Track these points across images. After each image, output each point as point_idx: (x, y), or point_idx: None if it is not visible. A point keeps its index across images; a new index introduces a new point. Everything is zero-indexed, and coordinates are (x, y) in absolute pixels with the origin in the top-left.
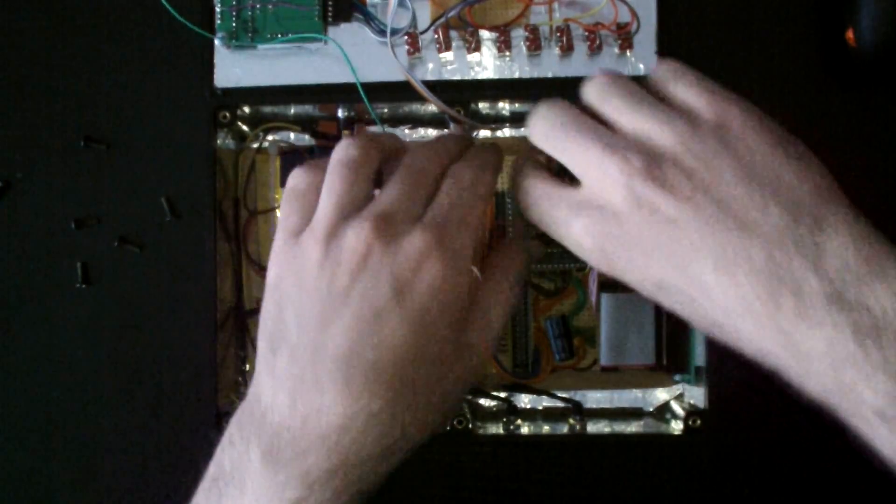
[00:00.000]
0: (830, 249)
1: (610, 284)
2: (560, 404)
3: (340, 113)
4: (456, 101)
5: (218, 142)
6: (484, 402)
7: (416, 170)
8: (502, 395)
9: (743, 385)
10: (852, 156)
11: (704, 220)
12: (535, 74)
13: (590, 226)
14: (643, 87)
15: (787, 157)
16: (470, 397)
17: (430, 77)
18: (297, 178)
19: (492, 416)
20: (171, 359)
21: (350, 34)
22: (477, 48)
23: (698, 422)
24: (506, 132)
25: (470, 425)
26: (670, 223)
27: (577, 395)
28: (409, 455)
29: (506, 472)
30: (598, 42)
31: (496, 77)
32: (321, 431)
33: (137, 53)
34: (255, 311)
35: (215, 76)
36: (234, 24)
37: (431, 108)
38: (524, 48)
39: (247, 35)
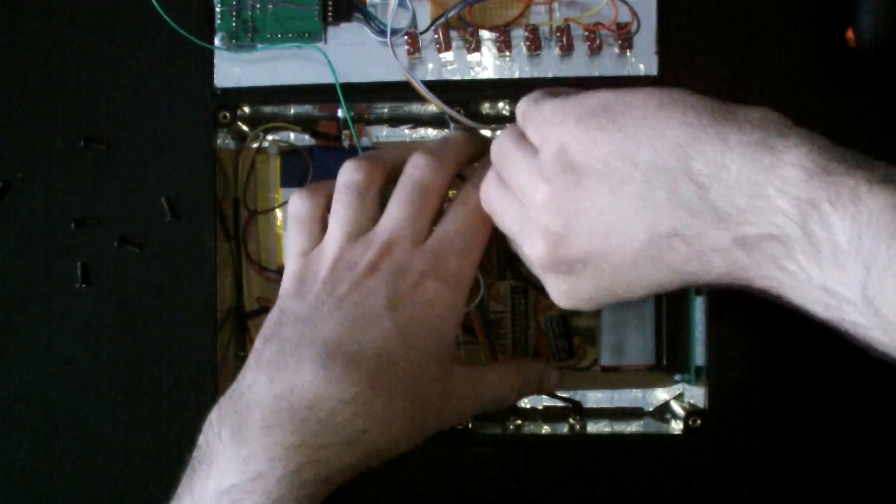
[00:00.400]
0: (716, 188)
1: None
2: (560, 404)
3: (340, 113)
4: (456, 101)
5: (218, 142)
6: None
7: (420, 186)
8: None
9: (743, 385)
10: None
11: (611, 237)
12: (535, 74)
13: (556, 288)
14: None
15: (620, 143)
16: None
17: (430, 77)
18: (297, 204)
19: (492, 416)
20: (171, 359)
21: (350, 34)
22: (477, 48)
23: (698, 422)
24: None
25: (470, 425)
26: (600, 258)
27: (577, 395)
28: (373, 466)
29: (506, 472)
30: (598, 42)
31: (496, 77)
32: (291, 408)
33: (137, 54)
34: (256, 312)
35: (215, 76)
36: (233, 25)
37: (431, 108)
38: (524, 48)
39: (247, 35)
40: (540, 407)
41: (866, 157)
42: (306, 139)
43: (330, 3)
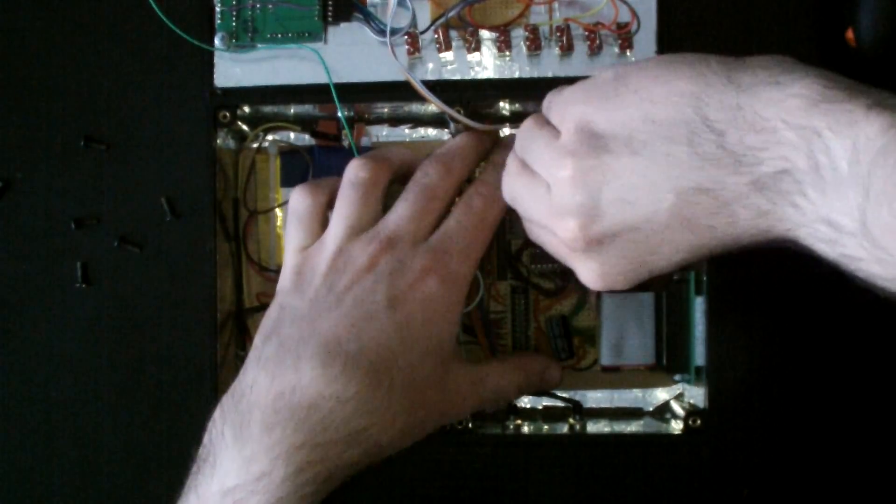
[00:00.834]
0: (732, 132)
1: None
2: (560, 404)
3: (340, 113)
4: (456, 101)
5: (218, 142)
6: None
7: (427, 189)
8: None
9: (743, 385)
10: None
11: (647, 209)
12: (535, 74)
13: (592, 271)
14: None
15: (638, 105)
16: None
17: (430, 77)
18: (298, 199)
19: (492, 415)
20: (171, 359)
21: (350, 34)
22: (477, 48)
23: (698, 421)
24: (506, 131)
25: (470, 425)
26: (636, 230)
27: (577, 395)
28: (374, 463)
29: (506, 472)
30: (598, 42)
31: (496, 77)
32: (292, 407)
33: (137, 53)
34: (256, 311)
35: (215, 76)
36: (234, 24)
37: (432, 107)
38: (524, 48)
39: (247, 35)
40: (540, 407)
41: (866, 85)
42: (306, 139)
43: (330, 3)
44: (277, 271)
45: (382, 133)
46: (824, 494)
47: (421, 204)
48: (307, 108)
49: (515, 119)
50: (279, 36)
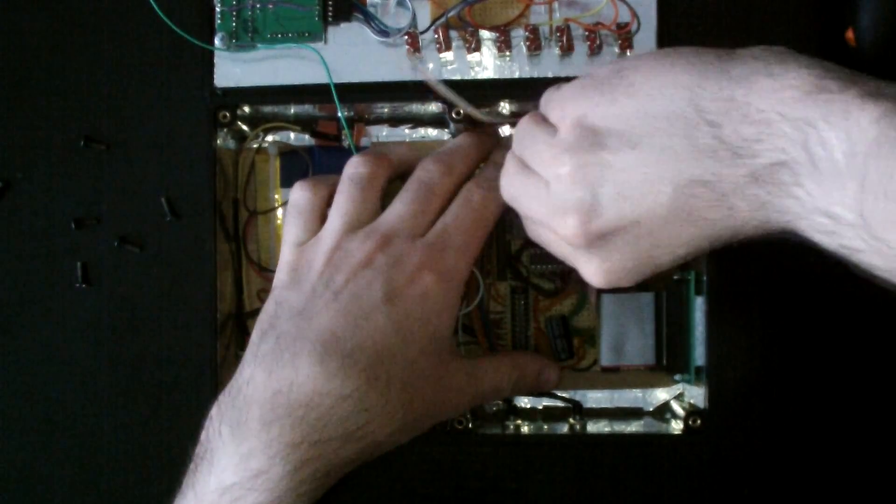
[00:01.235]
0: (728, 124)
1: None
2: (560, 404)
3: (340, 113)
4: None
5: (218, 142)
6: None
7: (426, 186)
8: None
9: (743, 385)
10: None
11: (649, 203)
12: (536, 74)
13: (597, 268)
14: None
15: (634, 98)
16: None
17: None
18: (297, 193)
19: (492, 416)
20: (171, 359)
21: (350, 34)
22: (477, 48)
23: (698, 421)
24: (506, 131)
25: (470, 425)
26: (640, 225)
27: (577, 395)
28: (372, 459)
29: (506, 472)
30: (598, 42)
31: (496, 77)
32: (289, 404)
33: (138, 53)
34: (256, 312)
35: (215, 76)
36: (234, 25)
37: (432, 107)
38: (524, 48)
39: (247, 35)
40: (540, 407)
41: (862, 75)
42: (306, 139)
43: (330, 3)
44: None
45: (382, 133)
46: (824, 494)
47: (419, 201)
48: (307, 109)
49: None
50: (279, 36)
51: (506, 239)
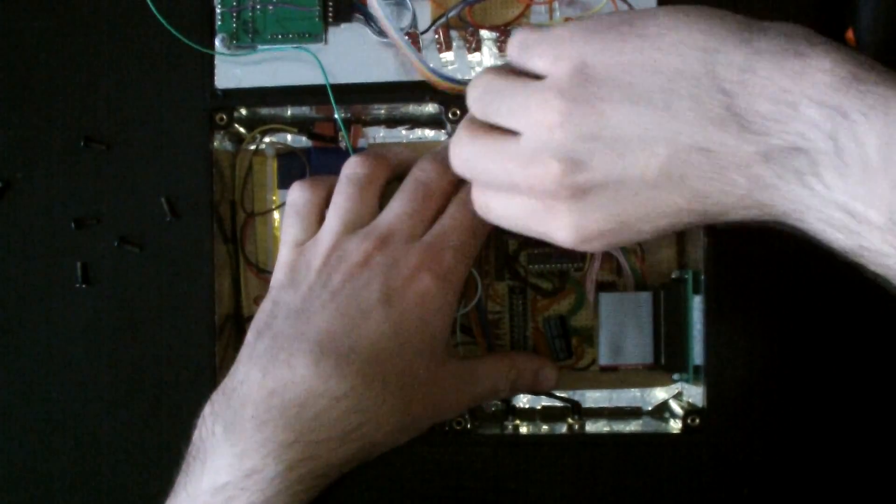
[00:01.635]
0: (742, 96)
1: (608, 284)
2: (559, 404)
3: (337, 114)
4: (455, 100)
5: (215, 144)
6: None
7: (424, 186)
8: None
9: (742, 384)
10: None
11: (639, 165)
12: None
13: (569, 225)
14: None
15: (650, 52)
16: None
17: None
18: (296, 193)
19: (491, 416)
20: (171, 359)
21: (350, 34)
22: (477, 48)
23: (697, 421)
24: None
25: (468, 425)
26: (622, 183)
27: (576, 395)
28: (369, 459)
29: (505, 472)
30: None
31: None
32: (284, 404)
33: (138, 54)
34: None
35: (216, 77)
36: (234, 26)
37: (429, 109)
38: None
39: (247, 36)
40: (539, 407)
41: (892, 70)
42: (303, 141)
43: (330, 3)
44: None
45: (379, 134)
46: (824, 494)
47: (417, 201)
48: (304, 110)
49: None
50: (279, 37)
51: (503, 239)
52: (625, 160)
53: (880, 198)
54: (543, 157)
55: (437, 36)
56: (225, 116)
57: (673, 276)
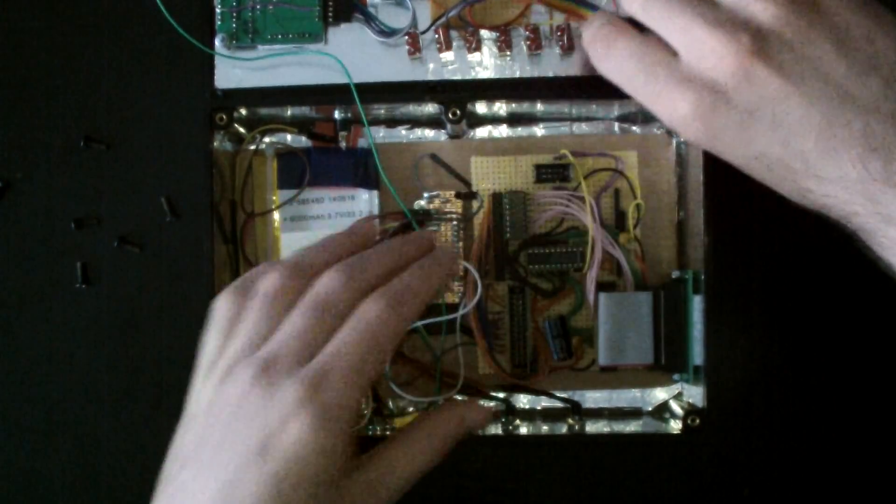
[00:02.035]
0: None
1: (608, 284)
2: (559, 404)
3: (337, 114)
4: (455, 100)
5: (215, 144)
6: (483, 402)
7: (321, 301)
8: (501, 395)
9: (742, 384)
10: None
11: (810, 95)
12: (536, 74)
13: (698, 101)
14: None
15: (880, 27)
16: (468, 398)
17: (430, 77)
18: (219, 305)
19: (491, 416)
20: (171, 359)
21: (350, 34)
22: (477, 48)
23: (697, 421)
24: (504, 132)
25: None
26: (779, 99)
27: (576, 395)
28: None
29: (505, 472)
30: None
31: (496, 77)
32: None
33: (138, 54)
34: None
35: (216, 77)
36: (234, 26)
37: (429, 109)
38: (525, 48)
39: (247, 36)
40: (539, 407)
41: None
42: (303, 141)
43: (330, 3)
44: None
45: (379, 135)
46: (824, 494)
47: (310, 318)
48: (304, 110)
49: (514, 120)
50: (279, 37)
51: (503, 240)
52: (793, 85)
53: None
54: (738, 24)
55: (437, 36)
56: (225, 116)
57: (673, 276)
